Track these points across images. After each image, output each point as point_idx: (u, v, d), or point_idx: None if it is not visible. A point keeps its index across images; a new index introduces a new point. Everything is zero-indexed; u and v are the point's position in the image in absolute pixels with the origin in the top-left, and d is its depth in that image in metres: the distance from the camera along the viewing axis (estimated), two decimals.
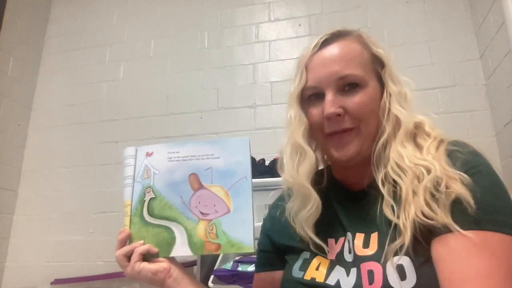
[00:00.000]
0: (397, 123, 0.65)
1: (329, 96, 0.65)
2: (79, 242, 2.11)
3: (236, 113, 2.15)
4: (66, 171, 2.27)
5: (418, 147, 0.63)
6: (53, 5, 2.66)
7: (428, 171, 0.57)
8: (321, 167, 0.76)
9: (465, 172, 0.55)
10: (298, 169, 0.68)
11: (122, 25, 2.49)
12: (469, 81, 1.91)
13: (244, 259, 1.45)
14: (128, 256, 0.70)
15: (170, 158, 0.74)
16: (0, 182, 2.18)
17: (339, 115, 0.64)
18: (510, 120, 1.65)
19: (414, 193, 0.57)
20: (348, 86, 0.65)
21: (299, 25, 2.22)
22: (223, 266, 1.47)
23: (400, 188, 0.59)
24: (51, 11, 2.64)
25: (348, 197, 0.70)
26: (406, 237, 0.54)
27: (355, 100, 0.65)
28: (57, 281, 2.02)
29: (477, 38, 1.95)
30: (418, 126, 0.66)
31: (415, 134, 0.65)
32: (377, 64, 0.70)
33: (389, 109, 0.66)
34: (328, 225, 0.68)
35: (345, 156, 0.65)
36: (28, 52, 2.45)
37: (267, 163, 1.73)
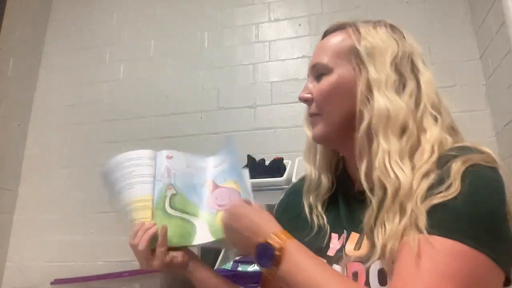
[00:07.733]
0: (380, 112, 0.61)
1: (307, 82, 0.71)
2: (79, 242, 2.11)
3: (236, 113, 2.15)
4: (66, 171, 2.26)
5: (412, 148, 0.59)
6: (53, 5, 2.65)
7: (398, 184, 0.55)
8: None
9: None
10: (316, 156, 0.75)
11: (122, 25, 2.49)
12: (469, 81, 1.90)
13: (244, 259, 1.45)
14: (153, 250, 0.74)
15: (189, 166, 0.84)
16: (0, 182, 2.18)
17: (306, 100, 0.70)
18: (510, 120, 1.65)
19: (391, 209, 0.55)
20: (319, 74, 0.69)
21: (299, 25, 2.22)
22: (223, 266, 1.47)
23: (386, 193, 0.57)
24: (51, 11, 2.64)
25: (353, 194, 0.70)
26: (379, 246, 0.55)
27: (317, 88, 0.69)
28: (57, 281, 2.01)
29: (477, 38, 1.95)
30: (417, 121, 0.62)
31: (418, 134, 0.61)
32: (355, 53, 0.66)
33: (368, 97, 0.63)
34: (334, 220, 0.69)
35: (314, 136, 0.71)
36: (28, 52, 2.45)
37: (267, 163, 1.73)
